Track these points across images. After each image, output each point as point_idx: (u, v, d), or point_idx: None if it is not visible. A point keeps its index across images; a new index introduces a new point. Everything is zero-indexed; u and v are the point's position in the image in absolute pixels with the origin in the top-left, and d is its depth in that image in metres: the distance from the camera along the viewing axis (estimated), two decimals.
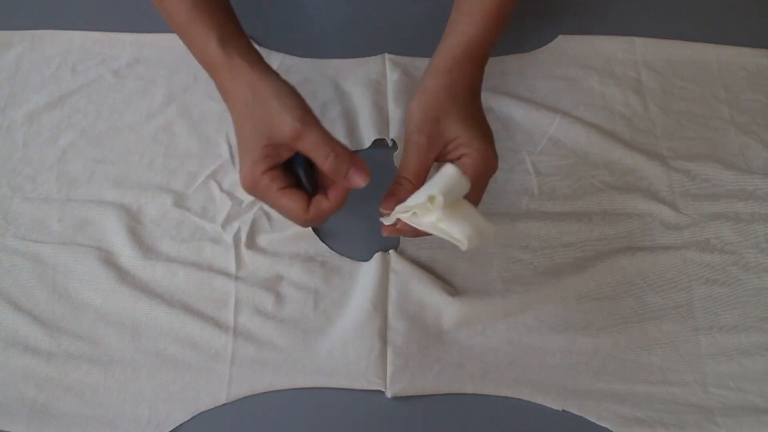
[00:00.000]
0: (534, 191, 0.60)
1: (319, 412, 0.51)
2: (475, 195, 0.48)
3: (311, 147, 0.45)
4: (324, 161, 0.45)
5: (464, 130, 0.48)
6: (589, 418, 0.51)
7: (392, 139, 0.62)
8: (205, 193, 0.60)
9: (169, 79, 0.66)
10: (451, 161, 0.47)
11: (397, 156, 0.62)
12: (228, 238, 0.57)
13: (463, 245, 0.43)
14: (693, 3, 0.73)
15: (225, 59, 0.48)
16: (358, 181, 0.46)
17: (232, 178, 0.60)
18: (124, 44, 0.68)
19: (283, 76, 0.49)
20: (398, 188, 0.48)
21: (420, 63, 0.66)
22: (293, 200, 0.46)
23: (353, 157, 0.46)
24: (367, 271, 0.56)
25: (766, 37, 0.70)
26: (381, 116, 0.64)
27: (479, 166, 0.47)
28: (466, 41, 0.51)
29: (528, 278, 0.56)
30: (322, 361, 0.52)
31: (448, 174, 0.45)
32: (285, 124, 0.44)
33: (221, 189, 0.60)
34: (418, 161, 0.47)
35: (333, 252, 0.57)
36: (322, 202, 0.47)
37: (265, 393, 0.51)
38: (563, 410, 0.51)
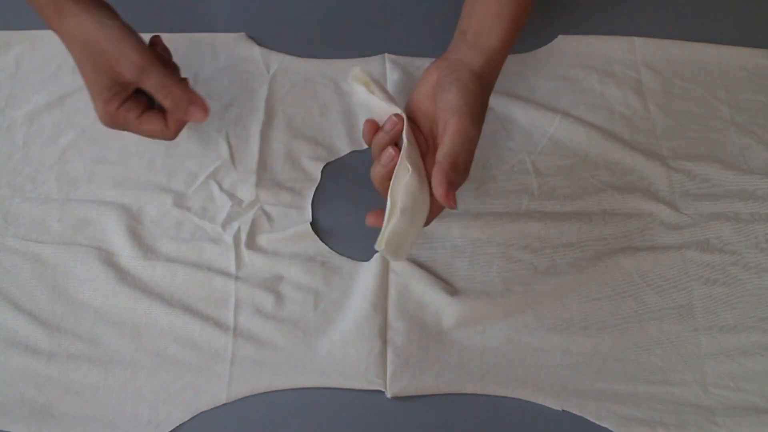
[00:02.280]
0: (534, 191, 0.60)
1: (319, 412, 0.51)
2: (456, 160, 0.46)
3: (152, 89, 0.50)
4: (164, 101, 0.50)
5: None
6: (589, 418, 0.51)
7: None
8: (205, 193, 0.60)
9: None
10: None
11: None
12: (228, 238, 0.57)
13: (380, 246, 0.44)
14: (693, 3, 0.73)
15: (53, 5, 0.49)
16: (198, 115, 0.51)
17: (232, 178, 0.61)
18: None
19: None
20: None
21: (420, 63, 0.66)
22: (152, 122, 0.51)
23: (191, 95, 0.50)
24: (367, 271, 0.56)
25: (766, 37, 0.70)
26: None
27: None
28: (497, 48, 0.51)
29: (528, 278, 0.56)
30: (322, 361, 0.52)
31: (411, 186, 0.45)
32: (126, 68, 0.48)
33: (221, 189, 0.60)
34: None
35: (333, 252, 0.57)
36: (177, 112, 0.51)
37: (265, 393, 0.51)
38: (563, 410, 0.51)
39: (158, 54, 0.52)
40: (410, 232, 0.46)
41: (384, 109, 0.48)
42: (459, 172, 0.46)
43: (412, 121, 0.49)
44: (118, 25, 0.49)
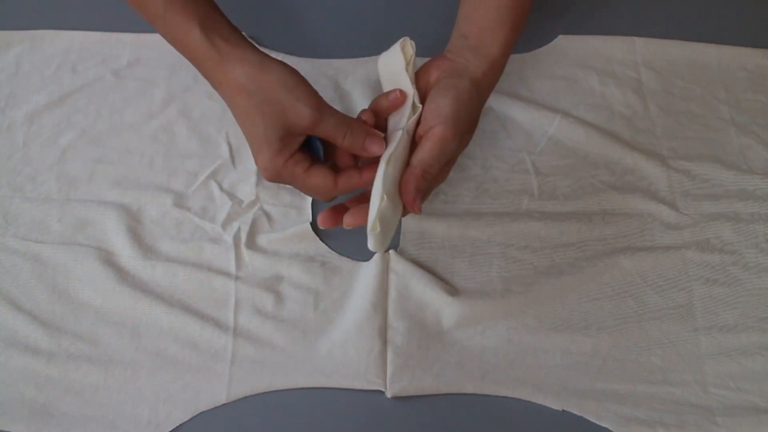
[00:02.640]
0: (534, 191, 0.60)
1: (319, 412, 0.51)
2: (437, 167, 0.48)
3: (329, 131, 0.47)
4: (342, 140, 0.47)
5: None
6: (589, 418, 0.51)
7: None
8: (205, 193, 0.60)
9: (169, 79, 0.66)
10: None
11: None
12: (228, 238, 0.57)
13: (374, 229, 0.46)
14: (693, 3, 0.73)
15: (211, 49, 0.47)
16: (375, 148, 0.47)
17: (232, 178, 0.61)
18: (124, 44, 0.68)
19: None
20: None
21: (420, 63, 0.66)
22: (321, 177, 0.48)
23: (367, 128, 0.48)
24: (367, 271, 0.56)
25: (766, 37, 0.70)
26: None
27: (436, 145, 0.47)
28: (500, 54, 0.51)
29: (528, 278, 0.56)
30: (322, 361, 0.52)
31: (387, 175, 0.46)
32: (303, 115, 0.45)
33: (221, 189, 0.60)
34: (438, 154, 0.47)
35: (333, 252, 0.57)
36: (353, 177, 0.49)
37: (265, 393, 0.51)
38: (563, 410, 0.51)
39: None
40: (394, 217, 0.47)
41: (405, 89, 0.49)
42: (429, 179, 0.47)
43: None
44: (284, 68, 0.47)
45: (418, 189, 0.46)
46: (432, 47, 0.56)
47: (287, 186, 0.60)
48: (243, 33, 0.50)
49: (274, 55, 0.66)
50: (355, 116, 0.63)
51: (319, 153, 0.50)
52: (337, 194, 0.49)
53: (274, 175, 0.48)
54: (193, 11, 0.48)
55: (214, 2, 0.50)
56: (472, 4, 0.53)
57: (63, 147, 0.62)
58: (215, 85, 0.49)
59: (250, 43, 0.49)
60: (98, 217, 0.58)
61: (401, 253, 0.57)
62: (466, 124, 0.49)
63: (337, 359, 0.52)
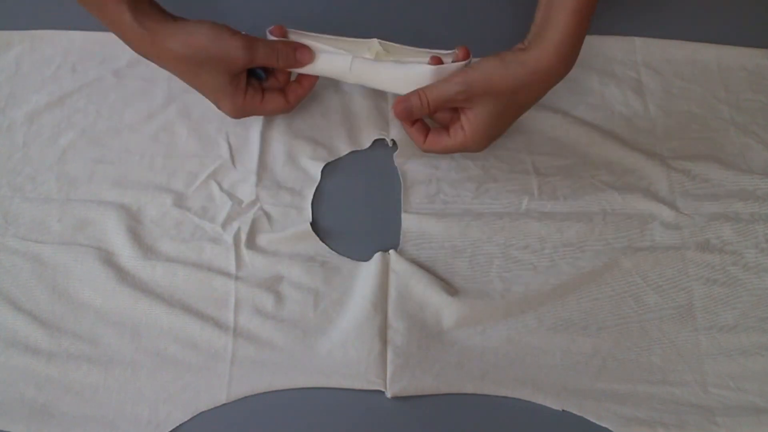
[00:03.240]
0: (534, 191, 0.60)
1: (319, 412, 0.51)
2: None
3: (264, 60, 0.54)
4: (277, 62, 0.55)
5: (483, 115, 0.53)
6: (589, 418, 0.51)
7: (392, 139, 0.62)
8: (205, 193, 0.60)
9: (169, 79, 0.66)
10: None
11: (397, 155, 0.62)
12: (228, 238, 0.57)
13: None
14: (693, 3, 0.73)
15: (143, 30, 0.53)
16: (306, 57, 0.55)
17: (232, 178, 0.61)
18: (124, 44, 0.68)
19: None
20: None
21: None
22: (275, 101, 0.57)
23: (292, 43, 0.56)
24: (367, 271, 0.56)
25: (766, 37, 0.70)
26: (381, 116, 0.64)
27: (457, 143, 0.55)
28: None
29: (528, 278, 0.56)
30: (322, 361, 0.52)
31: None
32: (236, 56, 0.52)
33: (221, 189, 0.60)
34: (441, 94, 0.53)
35: (333, 252, 0.57)
36: (297, 89, 0.58)
37: (265, 393, 0.51)
38: (563, 410, 0.51)
39: None
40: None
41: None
42: (418, 111, 0.54)
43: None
44: (206, 25, 0.53)
45: (407, 107, 0.54)
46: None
47: (287, 186, 0.60)
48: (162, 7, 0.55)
49: None
50: (355, 118, 0.64)
51: (262, 78, 0.58)
52: (291, 108, 0.59)
53: (240, 113, 0.57)
54: None
55: None
56: None
57: (63, 147, 0.62)
58: (155, 61, 0.55)
59: (171, 15, 0.54)
60: (98, 217, 0.58)
61: (401, 253, 0.57)
62: (494, 130, 0.55)
63: (337, 359, 0.52)
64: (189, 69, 0.54)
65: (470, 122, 0.53)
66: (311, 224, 0.58)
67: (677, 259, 0.57)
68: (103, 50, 0.68)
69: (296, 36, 0.57)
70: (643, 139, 0.64)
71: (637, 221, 0.59)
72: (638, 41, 0.70)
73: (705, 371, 0.53)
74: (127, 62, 0.67)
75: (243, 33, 0.54)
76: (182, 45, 0.52)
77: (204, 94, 0.56)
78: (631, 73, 0.68)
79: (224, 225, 0.58)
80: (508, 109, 0.53)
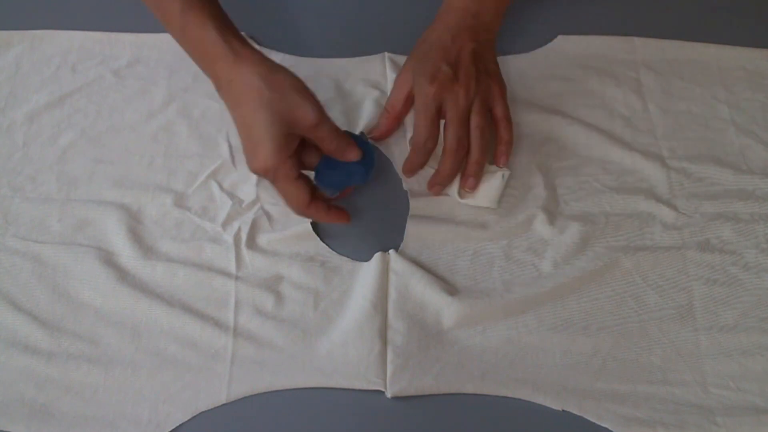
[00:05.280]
0: (534, 191, 0.60)
1: (319, 412, 0.51)
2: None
3: (324, 134, 0.51)
4: (329, 145, 0.52)
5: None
6: (589, 418, 0.51)
7: None
8: (205, 193, 0.60)
9: (169, 79, 0.66)
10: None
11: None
12: (228, 238, 0.57)
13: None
14: (693, 3, 0.73)
15: (228, 49, 0.50)
16: (351, 156, 0.53)
17: (233, 177, 0.61)
18: (124, 44, 0.68)
19: None
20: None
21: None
22: (302, 191, 0.52)
23: (349, 140, 0.53)
24: (367, 271, 0.56)
25: (766, 37, 0.70)
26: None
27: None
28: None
29: (528, 278, 0.56)
30: (322, 361, 0.52)
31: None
32: (308, 116, 0.49)
33: (221, 189, 0.60)
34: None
35: (333, 252, 0.57)
36: (320, 209, 0.53)
37: (265, 393, 0.51)
38: (563, 410, 0.51)
39: None
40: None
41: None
42: (419, 150, 0.58)
43: None
44: (290, 73, 0.51)
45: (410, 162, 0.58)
46: None
47: None
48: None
49: (273, 55, 0.67)
50: (356, 118, 0.64)
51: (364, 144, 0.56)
52: (303, 213, 0.53)
53: (272, 168, 0.50)
54: (209, 13, 0.52)
55: (224, 12, 0.54)
56: None
57: (63, 147, 0.62)
58: (224, 82, 0.52)
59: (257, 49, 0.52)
60: (98, 217, 0.58)
61: (401, 253, 0.57)
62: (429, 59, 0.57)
63: (337, 359, 0.52)
64: (255, 102, 0.49)
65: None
66: (311, 224, 0.58)
67: (677, 259, 0.57)
68: (103, 50, 0.68)
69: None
70: (643, 139, 0.64)
71: (637, 221, 0.59)
72: (638, 41, 0.70)
73: (705, 371, 0.53)
74: (127, 62, 0.67)
75: (318, 99, 0.51)
76: (261, 77, 0.49)
77: (247, 134, 0.51)
78: (631, 73, 0.68)
79: (224, 225, 0.58)
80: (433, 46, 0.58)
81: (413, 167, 0.58)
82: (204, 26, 0.51)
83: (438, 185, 0.58)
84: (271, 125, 0.49)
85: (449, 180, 0.58)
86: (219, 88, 0.53)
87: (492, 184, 0.58)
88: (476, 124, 0.57)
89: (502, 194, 0.59)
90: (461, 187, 0.58)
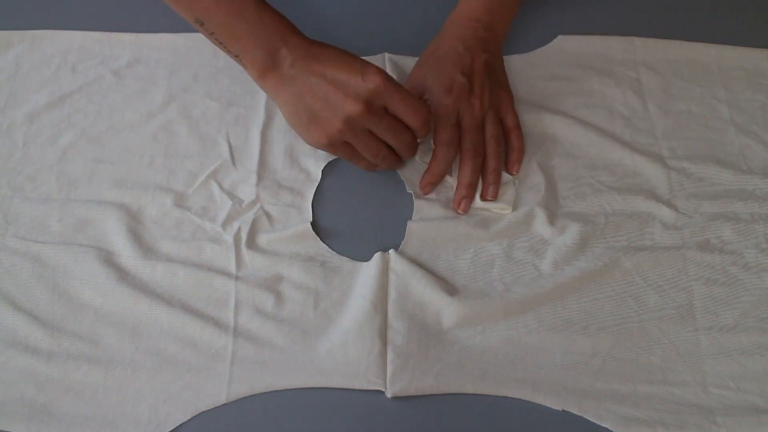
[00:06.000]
0: (534, 191, 0.60)
1: (319, 412, 0.51)
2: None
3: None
4: (412, 118, 0.54)
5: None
6: (589, 418, 0.51)
7: None
8: (205, 193, 0.60)
9: (169, 79, 0.66)
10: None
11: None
12: (228, 238, 0.57)
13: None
14: (693, 3, 0.73)
15: (305, 42, 0.54)
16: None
17: (233, 177, 0.61)
18: (124, 44, 0.68)
19: None
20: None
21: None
22: (422, 103, 0.54)
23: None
24: (367, 271, 0.56)
25: (766, 37, 0.70)
26: None
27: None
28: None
29: (528, 278, 0.56)
30: (322, 361, 0.52)
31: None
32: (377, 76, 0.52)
33: (221, 189, 0.60)
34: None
35: (333, 252, 0.57)
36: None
37: (265, 393, 0.51)
38: (563, 410, 0.51)
39: None
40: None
41: None
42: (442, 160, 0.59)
43: None
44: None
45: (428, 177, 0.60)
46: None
47: (287, 186, 0.60)
48: None
49: None
50: None
51: None
52: (424, 129, 0.55)
53: (387, 81, 0.51)
54: (284, 18, 0.55)
55: None
56: None
57: (63, 147, 0.62)
58: (301, 52, 0.53)
59: None
60: (98, 217, 0.58)
61: (401, 253, 0.57)
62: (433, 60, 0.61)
63: (337, 359, 0.52)
64: (340, 53, 0.53)
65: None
66: (311, 224, 0.58)
67: (677, 259, 0.57)
68: (103, 50, 0.68)
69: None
70: (643, 139, 0.64)
71: (637, 221, 0.59)
72: (638, 41, 0.70)
73: (705, 371, 0.53)
74: (127, 62, 0.67)
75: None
76: (330, 48, 0.53)
77: (338, 76, 0.53)
78: (631, 73, 0.68)
79: (224, 225, 0.58)
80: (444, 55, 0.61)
81: (433, 179, 0.59)
82: (286, 25, 0.54)
83: (430, 184, 0.59)
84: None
85: (472, 190, 0.59)
86: (282, 62, 0.53)
87: (508, 192, 0.60)
88: (491, 134, 0.59)
89: (516, 200, 0.60)
90: (482, 197, 0.59)
